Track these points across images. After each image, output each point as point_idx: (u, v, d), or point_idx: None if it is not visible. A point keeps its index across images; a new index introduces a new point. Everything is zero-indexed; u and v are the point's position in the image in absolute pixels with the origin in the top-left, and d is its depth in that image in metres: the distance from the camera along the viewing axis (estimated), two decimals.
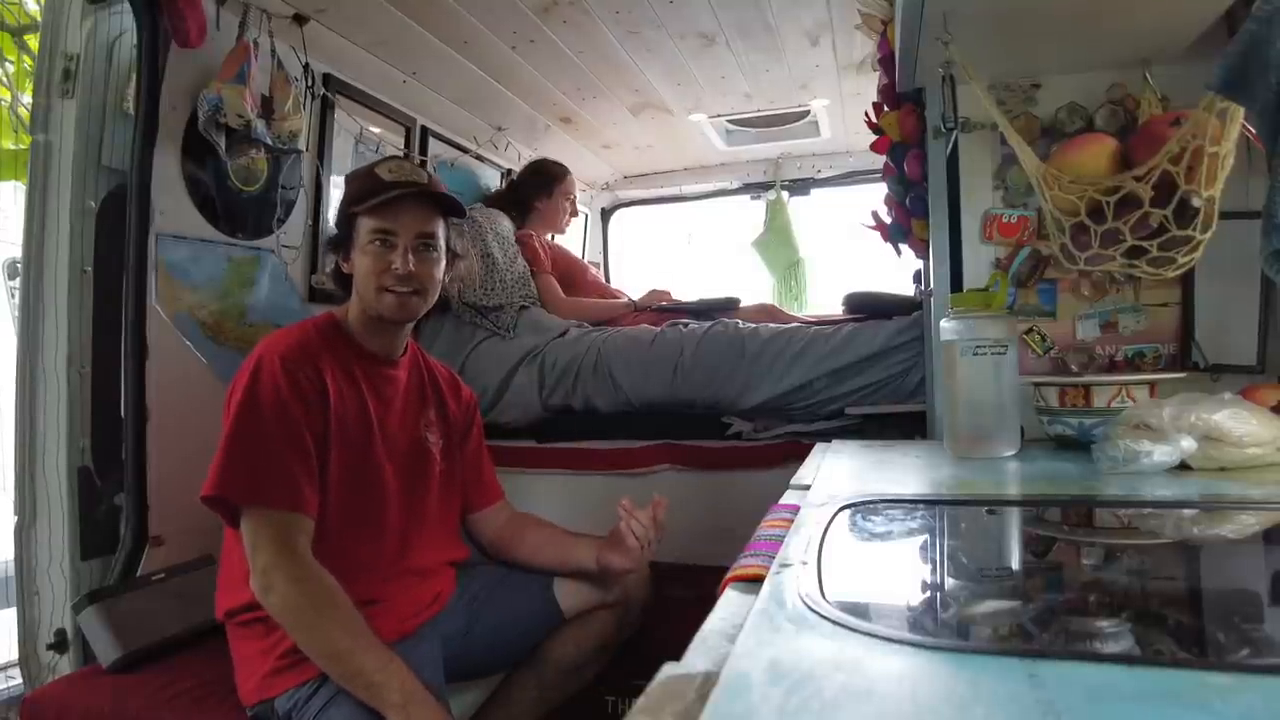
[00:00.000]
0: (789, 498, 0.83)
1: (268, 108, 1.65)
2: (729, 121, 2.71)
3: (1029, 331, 1.32)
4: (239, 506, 1.08)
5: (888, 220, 1.78)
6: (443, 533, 1.31)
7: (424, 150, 2.31)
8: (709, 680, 0.38)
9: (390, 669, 1.01)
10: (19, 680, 1.44)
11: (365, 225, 1.19)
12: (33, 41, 2.53)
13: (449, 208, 1.25)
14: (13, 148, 2.59)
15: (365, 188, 1.20)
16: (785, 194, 3.07)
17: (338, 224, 1.27)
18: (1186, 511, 0.78)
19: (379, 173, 1.21)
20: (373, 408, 1.21)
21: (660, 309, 2.27)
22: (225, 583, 1.17)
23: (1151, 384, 1.11)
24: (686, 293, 2.44)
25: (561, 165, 2.54)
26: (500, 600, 1.31)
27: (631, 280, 3.21)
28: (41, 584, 1.39)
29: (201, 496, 1.08)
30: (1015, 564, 0.69)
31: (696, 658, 0.42)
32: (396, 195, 1.18)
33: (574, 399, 1.97)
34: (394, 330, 1.26)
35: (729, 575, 0.57)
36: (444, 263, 1.26)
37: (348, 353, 1.22)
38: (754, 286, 3.11)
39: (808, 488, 0.87)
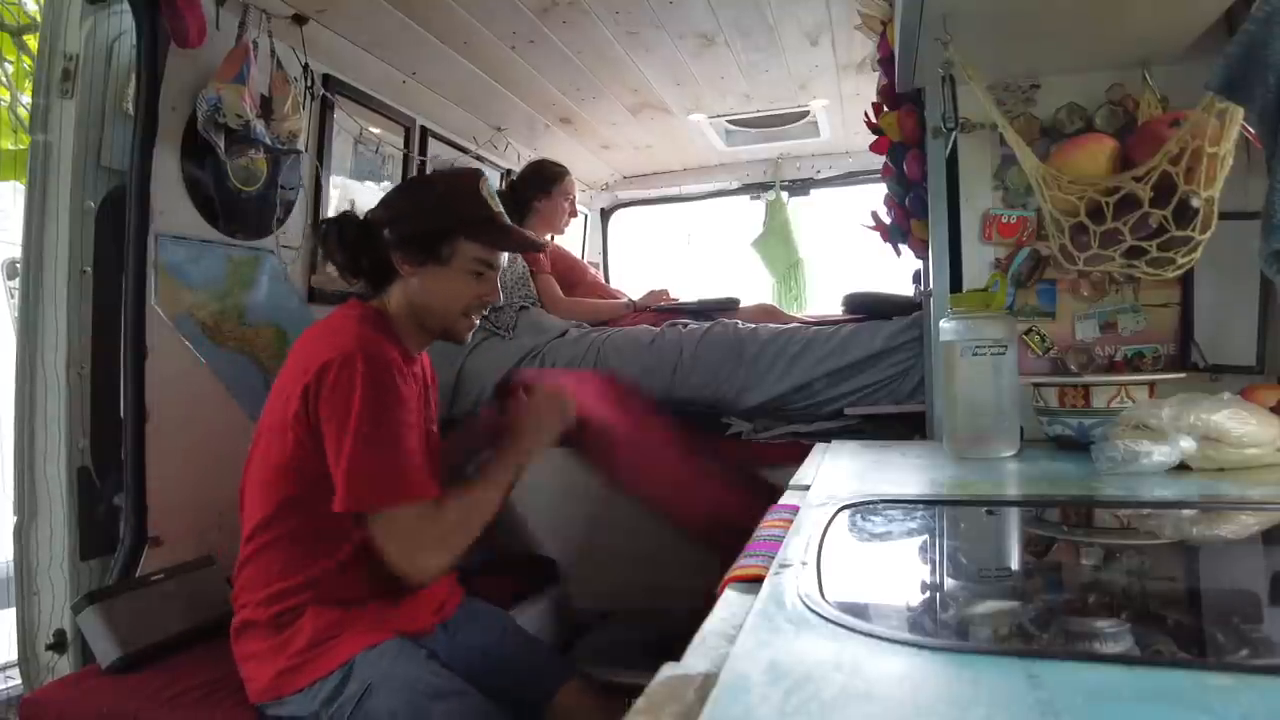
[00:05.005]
0: (788, 498, 0.84)
1: (267, 108, 1.65)
2: (728, 122, 2.71)
3: (1028, 332, 1.32)
4: (376, 507, 1.06)
5: (887, 220, 1.78)
6: None
7: (423, 150, 2.31)
8: (709, 680, 0.38)
9: (493, 464, 1.17)
10: (18, 680, 1.44)
11: (470, 250, 1.20)
12: (32, 41, 2.53)
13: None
14: (12, 148, 2.59)
15: (479, 215, 1.21)
16: (785, 194, 3.08)
17: (427, 229, 1.20)
18: (1186, 512, 0.78)
19: (485, 197, 1.23)
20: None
21: (660, 309, 2.27)
22: (251, 578, 1.13)
23: (1151, 384, 1.11)
24: (686, 293, 2.44)
25: (561, 166, 2.53)
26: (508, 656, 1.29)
27: (631, 280, 3.21)
28: (41, 584, 1.39)
29: (337, 511, 1.04)
30: (1015, 564, 0.69)
31: (696, 658, 0.42)
32: (508, 231, 1.25)
33: None
34: (432, 340, 1.28)
35: (728, 575, 0.57)
36: None
37: (396, 348, 1.19)
38: (754, 286, 3.12)
39: (807, 488, 0.87)
